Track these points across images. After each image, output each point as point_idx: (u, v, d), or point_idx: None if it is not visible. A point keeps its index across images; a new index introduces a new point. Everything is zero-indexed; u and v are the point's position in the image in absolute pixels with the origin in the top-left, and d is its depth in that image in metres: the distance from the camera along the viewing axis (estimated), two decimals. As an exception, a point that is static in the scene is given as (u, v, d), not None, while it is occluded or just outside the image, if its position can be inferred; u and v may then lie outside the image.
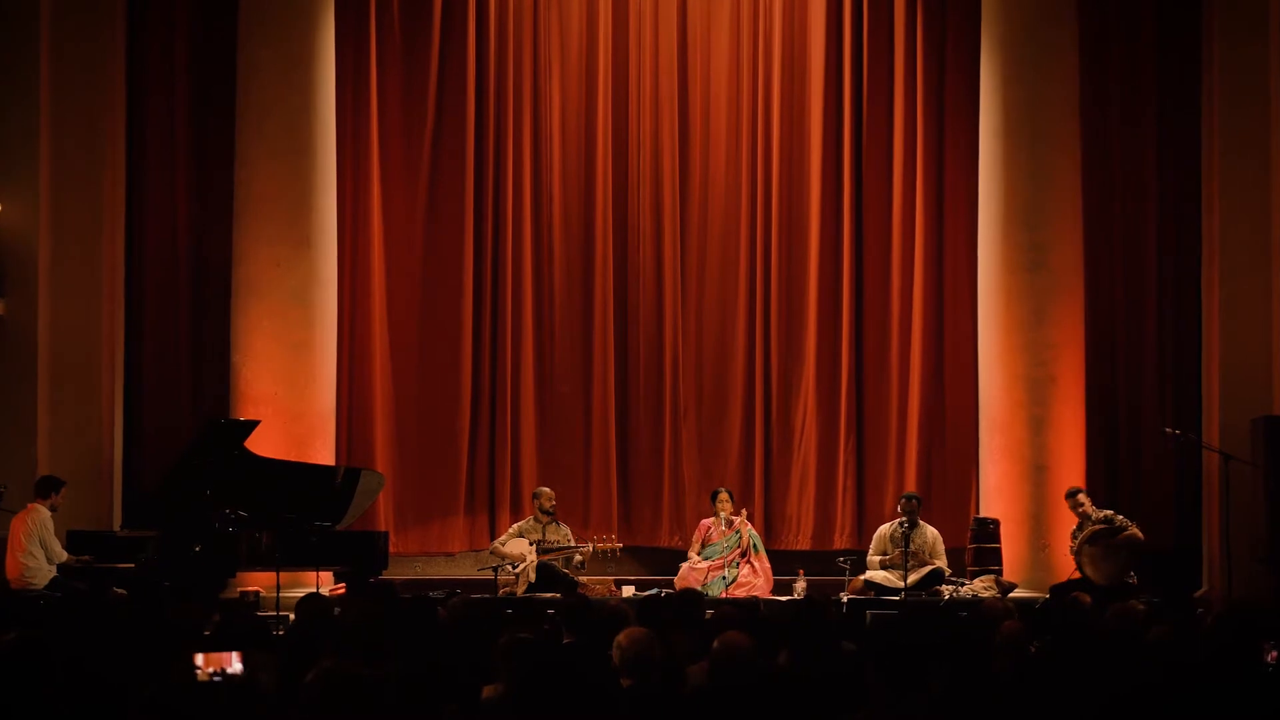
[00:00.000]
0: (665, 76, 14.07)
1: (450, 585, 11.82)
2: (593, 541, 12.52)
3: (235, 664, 5.04)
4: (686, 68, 14.11)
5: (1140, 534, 11.91)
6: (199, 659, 5.01)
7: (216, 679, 4.97)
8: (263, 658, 5.29)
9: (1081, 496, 12.12)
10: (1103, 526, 11.89)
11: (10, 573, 11.03)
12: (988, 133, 13.24)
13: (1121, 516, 12.00)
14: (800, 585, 12.18)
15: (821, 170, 13.95)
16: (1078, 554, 11.86)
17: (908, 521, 12.25)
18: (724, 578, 12.19)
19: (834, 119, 13.98)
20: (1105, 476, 13.10)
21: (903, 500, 12.53)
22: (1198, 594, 12.82)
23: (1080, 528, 12.02)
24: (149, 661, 5.28)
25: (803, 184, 14.02)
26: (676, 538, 13.69)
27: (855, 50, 13.96)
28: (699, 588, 11.44)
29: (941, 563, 12.34)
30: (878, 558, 12.41)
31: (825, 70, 13.96)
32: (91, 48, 13.11)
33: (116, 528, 12.38)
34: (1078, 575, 11.86)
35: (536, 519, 12.64)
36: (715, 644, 5.46)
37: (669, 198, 14.02)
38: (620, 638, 5.50)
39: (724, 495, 12.70)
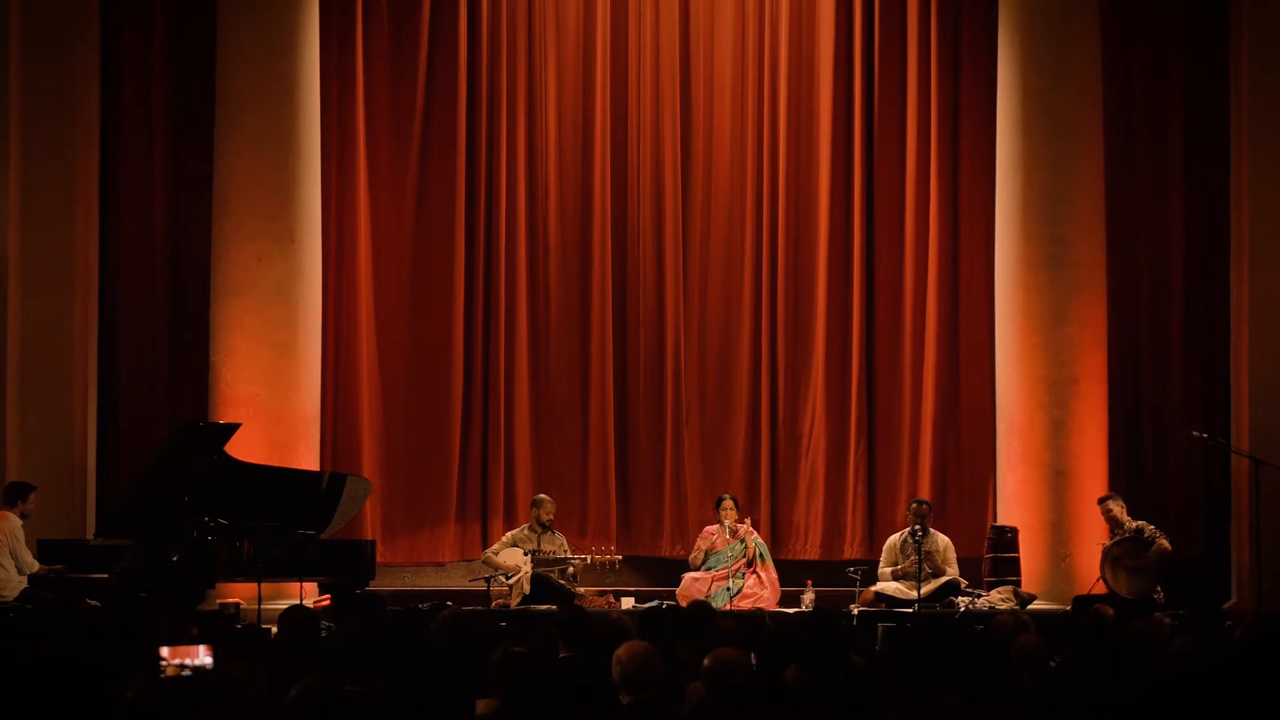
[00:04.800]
0: (666, 61, 14.07)
1: (440, 597, 11.82)
2: (591, 553, 12.53)
3: (204, 658, 5.07)
4: (689, 54, 14.12)
5: (1168, 545, 11.89)
6: (165, 652, 5.04)
7: (185, 673, 5.00)
8: (252, 669, 5.30)
9: (1112, 504, 12.08)
10: (1131, 536, 11.86)
11: (-22, 584, 11.04)
12: (1005, 122, 13.23)
13: (1152, 526, 11.97)
14: (809, 597, 12.20)
15: (831, 161, 13.95)
16: (1103, 563, 11.82)
17: (920, 529, 12.26)
18: (728, 589, 12.20)
19: (843, 107, 13.98)
20: (1129, 482, 13.10)
21: (913, 505, 12.54)
22: (1226, 605, 12.82)
23: (1111, 535, 11.99)
24: (130, 671, 5.29)
25: (811, 176, 14.02)
26: (678, 547, 13.70)
27: (866, 36, 13.96)
28: (702, 599, 11.45)
29: (954, 570, 12.36)
30: (889, 569, 12.42)
31: (834, 57, 13.96)
32: (64, 33, 13.08)
33: (90, 536, 12.38)
34: (1101, 585, 11.84)
35: (533, 528, 12.65)
36: (707, 661, 5.47)
37: (670, 190, 14.02)
38: (620, 652, 5.51)
39: (728, 503, 12.71)
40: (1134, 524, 11.99)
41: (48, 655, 6.03)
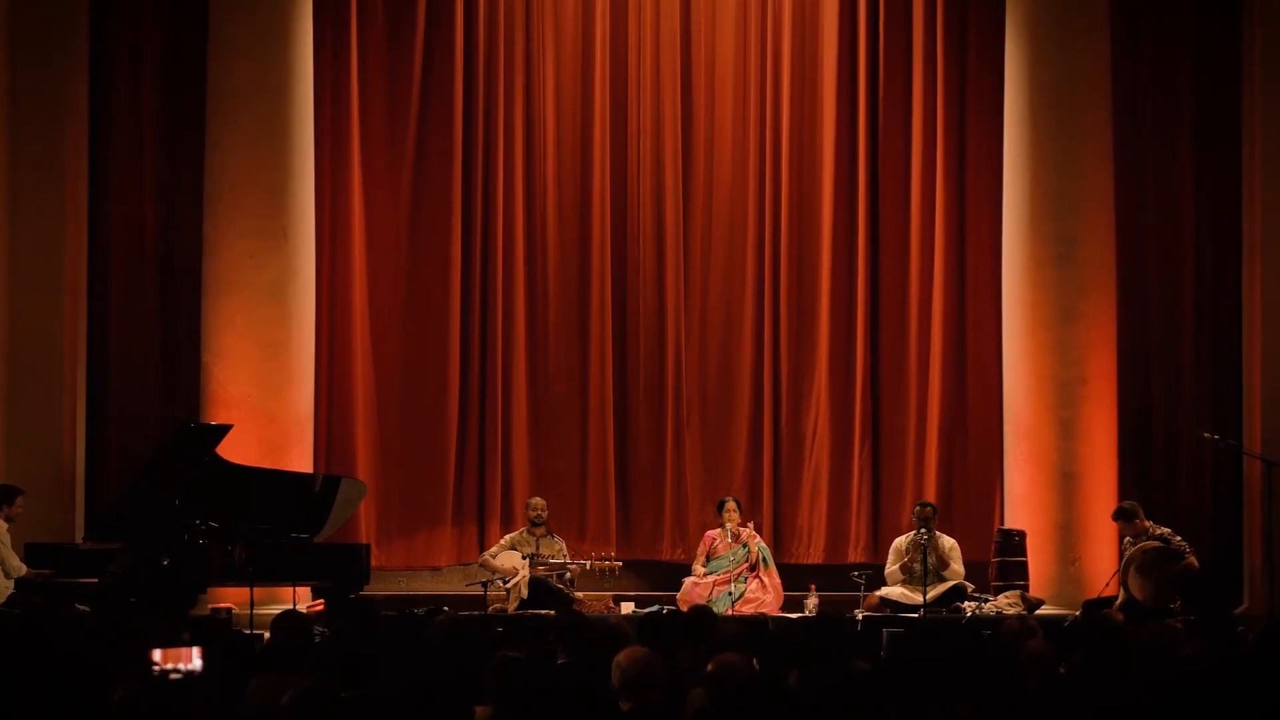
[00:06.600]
0: (667, 55, 14.07)
1: (436, 601, 11.82)
2: (590, 558, 12.54)
3: (195, 661, 5.10)
4: (690, 46, 14.11)
5: (1196, 563, 11.80)
6: (157, 655, 5.07)
7: (176, 675, 5.03)
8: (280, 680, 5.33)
9: (1138, 521, 11.93)
10: (1160, 546, 11.77)
11: (-35, 590, 11.02)
12: (1012, 117, 13.23)
13: (1179, 538, 11.89)
14: (812, 601, 12.20)
15: (835, 157, 13.95)
16: (1127, 565, 11.73)
17: (926, 533, 12.26)
18: (730, 593, 12.20)
19: (848, 102, 13.98)
20: (1138, 484, 13.09)
21: (917, 509, 12.54)
22: (1238, 610, 12.83)
23: (1134, 542, 11.89)
24: (121, 676, 5.32)
25: (814, 173, 14.02)
26: (679, 551, 13.70)
27: (871, 29, 13.95)
28: (704, 603, 11.44)
29: (958, 566, 12.35)
30: (895, 568, 12.43)
31: (839, 53, 13.96)
32: (54, 32, 13.06)
33: (79, 539, 12.37)
34: (1115, 584, 11.79)
35: (530, 531, 12.66)
36: (710, 666, 5.48)
37: (670, 186, 14.02)
38: (620, 658, 5.52)
39: (730, 505, 12.70)
40: (1158, 530, 11.93)
41: (38, 660, 6.04)
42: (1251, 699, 5.58)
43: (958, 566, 12.40)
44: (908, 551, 12.40)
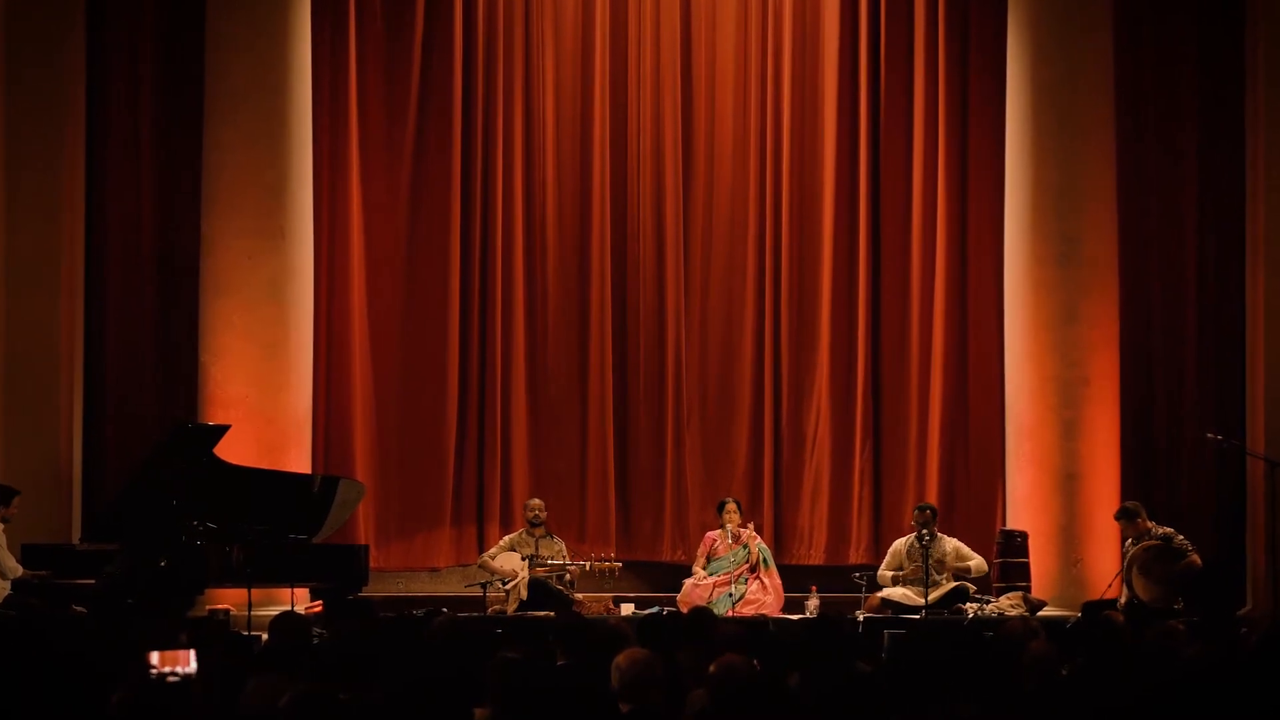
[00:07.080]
0: (667, 54, 14.07)
1: (435, 603, 11.82)
2: (590, 559, 12.54)
3: (193, 664, 5.12)
4: (690, 45, 14.12)
5: (1199, 561, 11.80)
6: (154, 658, 5.08)
7: (173, 678, 5.04)
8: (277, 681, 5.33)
9: (1139, 520, 11.94)
10: (1161, 545, 11.77)
11: (-40, 591, 11.02)
12: (1014, 116, 13.24)
13: (1181, 537, 11.88)
14: (813, 603, 12.21)
15: (835, 156, 13.95)
16: (1129, 566, 11.73)
17: (928, 534, 12.26)
18: (730, 595, 12.22)
19: (849, 100, 13.98)
20: (1141, 485, 13.09)
21: (916, 512, 12.54)
22: (1241, 611, 12.83)
23: (1135, 542, 11.90)
24: (119, 678, 5.32)
25: (816, 171, 14.02)
26: (679, 552, 13.70)
27: (872, 27, 13.95)
28: (704, 605, 11.45)
29: (976, 561, 12.33)
30: (890, 573, 12.44)
31: (839, 48, 13.96)
32: (51, 31, 13.06)
33: (76, 540, 12.37)
34: (1115, 585, 11.80)
35: (529, 532, 12.67)
36: (712, 668, 5.49)
37: (671, 185, 14.02)
38: (619, 659, 5.52)
39: (731, 506, 12.71)
40: (1160, 529, 11.93)
41: (35, 662, 6.05)
42: (1254, 701, 5.59)
43: (974, 562, 12.38)
44: (909, 559, 12.39)
